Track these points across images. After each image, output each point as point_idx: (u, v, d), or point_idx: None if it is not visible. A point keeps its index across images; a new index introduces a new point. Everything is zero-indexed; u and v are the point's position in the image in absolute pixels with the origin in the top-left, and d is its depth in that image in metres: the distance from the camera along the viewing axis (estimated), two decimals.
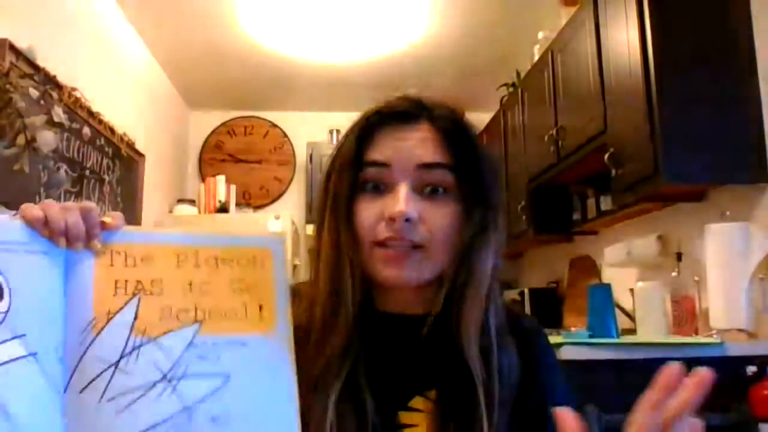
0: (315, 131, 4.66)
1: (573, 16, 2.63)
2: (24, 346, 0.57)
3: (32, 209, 0.61)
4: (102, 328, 0.60)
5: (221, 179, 4.36)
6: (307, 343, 0.69)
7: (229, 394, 0.62)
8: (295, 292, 0.70)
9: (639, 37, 2.00)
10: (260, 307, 0.67)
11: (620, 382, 1.70)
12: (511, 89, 3.69)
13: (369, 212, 0.69)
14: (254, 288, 0.67)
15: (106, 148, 3.01)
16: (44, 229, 0.60)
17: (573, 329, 2.69)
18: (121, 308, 0.62)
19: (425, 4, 3.20)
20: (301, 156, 4.74)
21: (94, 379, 0.59)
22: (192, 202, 4.16)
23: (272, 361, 0.65)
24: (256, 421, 0.62)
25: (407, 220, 0.66)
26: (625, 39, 2.10)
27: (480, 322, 0.69)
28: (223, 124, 4.81)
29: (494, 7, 3.22)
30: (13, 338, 0.57)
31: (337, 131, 4.42)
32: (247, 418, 0.62)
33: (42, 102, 2.26)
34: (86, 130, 2.74)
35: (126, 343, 0.61)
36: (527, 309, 3.57)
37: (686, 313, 2.09)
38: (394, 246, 0.68)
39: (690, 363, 1.77)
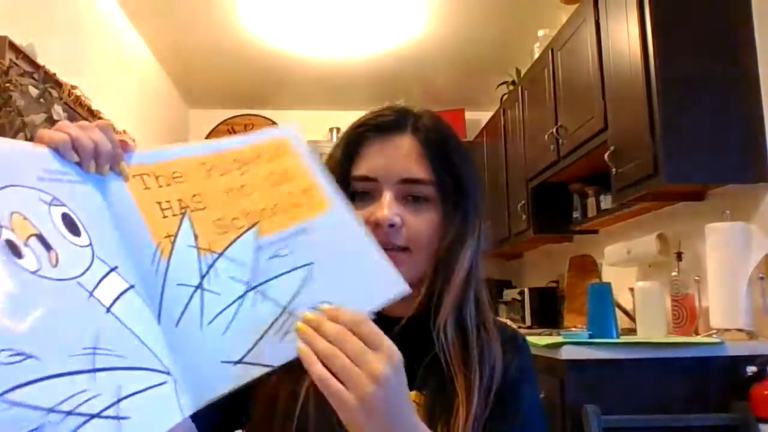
0: (315, 130, 4.65)
1: (573, 14, 2.63)
2: (122, 278, 0.53)
3: (55, 133, 0.55)
4: (170, 253, 0.57)
5: None
6: None
7: (320, 279, 0.60)
8: None
9: (639, 35, 2.00)
10: (305, 192, 0.65)
11: (620, 382, 1.70)
12: (511, 87, 3.69)
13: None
14: (291, 176, 0.65)
15: None
16: (73, 154, 0.55)
17: (573, 329, 2.69)
18: (178, 229, 0.58)
19: (425, 2, 3.20)
20: None
21: (186, 306, 0.56)
22: None
23: (344, 234, 0.63)
24: (358, 288, 0.61)
25: (391, 225, 0.72)
26: (625, 37, 2.10)
27: (457, 321, 0.74)
28: (222, 123, 4.81)
29: (494, 5, 3.22)
30: (111, 271, 0.53)
31: (337, 129, 4.42)
32: (349, 290, 0.60)
33: (42, 100, 2.25)
34: None
35: (199, 264, 0.58)
36: (527, 308, 3.57)
37: (686, 312, 2.09)
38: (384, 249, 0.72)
39: (690, 363, 1.78)
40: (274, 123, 4.81)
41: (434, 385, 0.71)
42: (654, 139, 1.93)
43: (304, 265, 0.60)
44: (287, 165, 0.66)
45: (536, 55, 3.13)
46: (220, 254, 0.59)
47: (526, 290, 3.64)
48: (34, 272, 0.47)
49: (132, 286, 0.54)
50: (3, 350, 0.42)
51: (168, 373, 0.52)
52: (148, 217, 0.58)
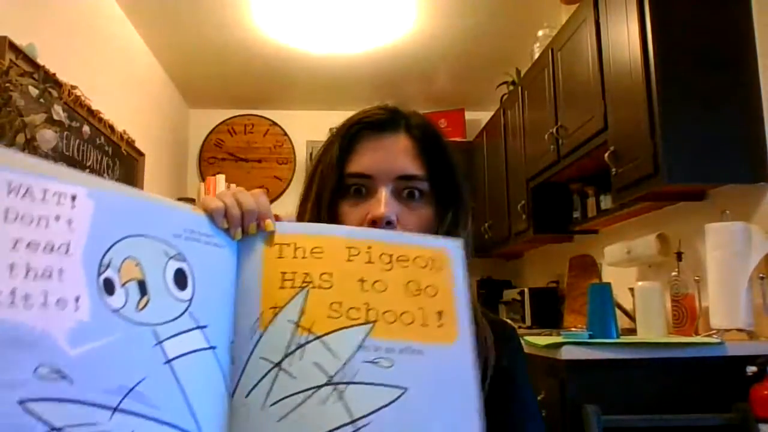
0: (315, 130, 4.64)
1: (573, 13, 2.62)
2: (205, 338, 0.55)
3: (213, 201, 0.60)
4: (268, 324, 0.57)
5: (221, 178, 4.36)
6: None
7: (405, 411, 0.54)
8: None
9: (639, 35, 2.00)
10: (439, 314, 0.59)
11: (620, 382, 1.70)
12: (511, 87, 3.69)
13: (353, 215, 0.76)
14: (432, 292, 0.60)
15: (106, 147, 3.01)
16: (223, 220, 0.60)
17: (573, 329, 2.69)
18: (288, 302, 0.57)
19: (425, 3, 3.20)
20: (301, 155, 4.74)
21: (259, 381, 0.55)
22: (192, 201, 4.14)
23: (455, 377, 0.57)
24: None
25: (388, 222, 0.73)
26: (625, 37, 2.10)
27: None
28: (223, 123, 4.81)
29: (495, 5, 3.21)
30: (196, 328, 0.55)
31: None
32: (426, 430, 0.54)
33: (41, 100, 2.26)
34: (86, 129, 2.73)
35: (290, 341, 0.56)
36: (527, 308, 3.57)
37: (686, 312, 2.09)
38: None
39: (690, 363, 1.77)
40: (274, 123, 4.81)
41: None
42: (654, 139, 1.93)
43: (398, 387, 0.55)
44: (435, 280, 0.61)
45: (536, 55, 3.13)
46: (318, 337, 0.56)
47: (526, 290, 3.64)
48: (115, 310, 0.51)
49: (213, 348, 0.55)
50: (46, 366, 0.46)
51: None
52: (266, 284, 0.58)
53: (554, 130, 2.73)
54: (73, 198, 0.51)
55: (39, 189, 0.50)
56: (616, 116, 2.20)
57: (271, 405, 0.54)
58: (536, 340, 1.88)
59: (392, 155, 0.77)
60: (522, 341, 0.87)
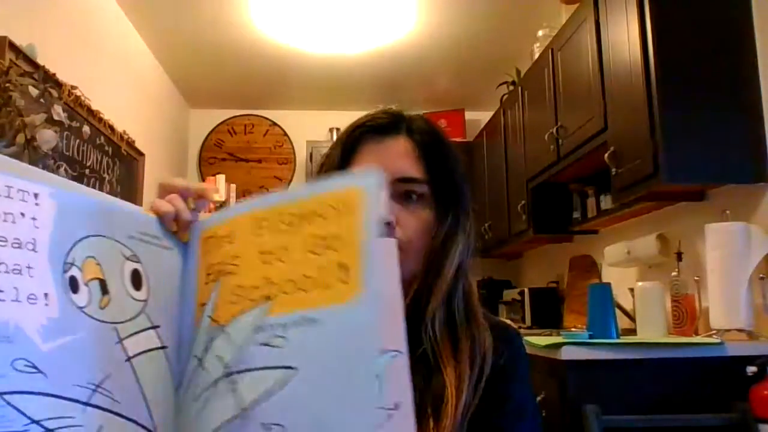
0: (315, 130, 4.66)
1: (573, 13, 2.62)
2: (158, 337, 0.57)
3: (164, 204, 0.61)
4: (199, 322, 0.57)
5: (221, 178, 4.36)
6: None
7: (294, 392, 0.48)
8: None
9: (639, 35, 2.00)
10: (343, 268, 0.49)
11: (620, 382, 1.70)
12: (511, 87, 3.69)
13: None
14: (337, 244, 0.51)
15: (106, 147, 3.01)
16: (173, 224, 0.61)
17: (573, 329, 2.69)
18: (209, 297, 0.57)
19: (425, 3, 3.20)
20: (301, 155, 4.74)
21: (190, 379, 0.56)
22: None
23: (352, 342, 0.47)
24: (332, 417, 0.46)
25: (386, 223, 0.71)
26: (625, 37, 2.10)
27: (446, 315, 0.76)
28: (223, 123, 4.81)
29: (495, 5, 3.22)
30: (151, 328, 0.57)
31: (337, 130, 4.42)
32: (319, 417, 0.47)
33: (42, 100, 2.26)
34: (86, 129, 2.74)
35: (207, 336, 0.55)
36: (527, 308, 3.57)
37: (686, 312, 2.09)
38: None
39: (690, 363, 1.77)
40: (274, 123, 4.81)
41: (424, 377, 0.72)
42: (654, 139, 1.93)
43: (286, 368, 0.48)
44: (341, 228, 0.51)
45: (536, 55, 3.13)
46: (221, 327, 0.54)
47: (526, 290, 3.64)
48: (80, 307, 0.53)
49: (164, 347, 0.57)
50: (23, 360, 0.47)
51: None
52: (199, 282, 0.59)
53: (554, 130, 2.73)
54: (36, 196, 0.52)
55: (2, 185, 0.50)
56: (616, 116, 2.20)
57: (194, 400, 0.55)
58: (536, 341, 1.88)
59: (391, 158, 0.77)
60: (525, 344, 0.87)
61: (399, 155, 0.78)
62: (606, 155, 2.20)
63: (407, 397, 0.47)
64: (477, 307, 0.79)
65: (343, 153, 0.79)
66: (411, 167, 0.77)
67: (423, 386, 0.71)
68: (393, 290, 0.49)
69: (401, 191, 0.77)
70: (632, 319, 2.35)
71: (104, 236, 0.56)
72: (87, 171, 2.79)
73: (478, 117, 4.51)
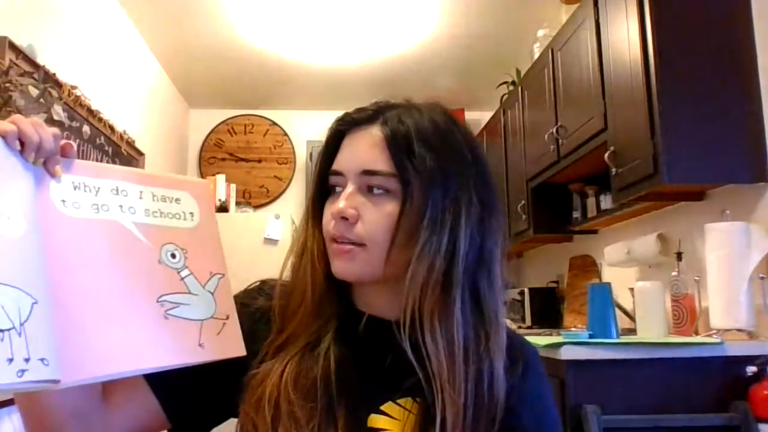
0: (315, 130, 4.66)
1: (573, 14, 2.63)
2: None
3: (5, 124, 0.60)
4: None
5: (221, 178, 4.35)
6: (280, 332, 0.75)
7: None
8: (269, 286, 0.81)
9: (639, 35, 2.00)
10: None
11: (620, 382, 1.70)
12: (511, 88, 3.69)
13: (327, 212, 0.76)
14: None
15: (106, 147, 3.01)
16: (16, 142, 0.60)
17: (573, 329, 2.69)
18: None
19: (425, 4, 3.20)
20: (301, 155, 4.74)
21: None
22: None
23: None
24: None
25: (344, 218, 0.72)
26: (625, 37, 2.10)
27: (442, 330, 0.69)
28: (223, 123, 4.81)
29: (494, 5, 3.22)
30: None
31: None
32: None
33: (42, 100, 2.26)
34: (86, 129, 2.74)
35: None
36: (527, 308, 3.57)
37: (686, 312, 2.09)
38: (339, 242, 0.73)
39: (690, 363, 1.77)
40: (274, 123, 4.81)
41: (427, 393, 0.69)
42: (654, 139, 1.93)
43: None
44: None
45: (536, 55, 3.13)
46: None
47: (526, 290, 3.64)
48: None
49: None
50: None
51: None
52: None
53: (554, 130, 2.73)
54: None
55: None
56: (616, 116, 2.20)
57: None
58: (536, 340, 1.88)
59: (357, 150, 0.74)
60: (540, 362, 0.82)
61: (367, 148, 0.73)
62: (606, 155, 2.20)
63: (233, 312, 0.69)
64: (492, 326, 0.72)
65: (326, 149, 0.79)
66: (376, 159, 0.72)
67: (427, 402, 0.69)
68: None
69: (366, 185, 0.73)
70: (632, 318, 2.35)
71: None
72: None
73: (478, 117, 4.51)
